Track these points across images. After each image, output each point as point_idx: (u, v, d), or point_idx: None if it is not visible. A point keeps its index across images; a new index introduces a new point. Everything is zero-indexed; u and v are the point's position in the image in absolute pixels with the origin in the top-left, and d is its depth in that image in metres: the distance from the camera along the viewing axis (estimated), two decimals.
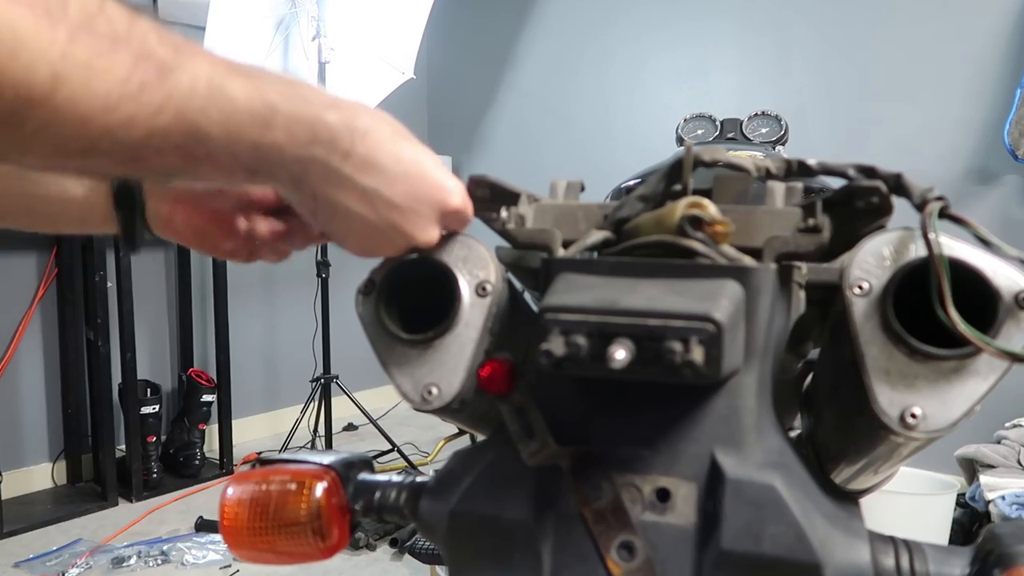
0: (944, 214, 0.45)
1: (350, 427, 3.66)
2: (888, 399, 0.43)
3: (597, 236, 0.51)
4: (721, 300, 0.42)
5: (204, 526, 2.51)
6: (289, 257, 0.63)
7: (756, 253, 0.48)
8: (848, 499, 0.47)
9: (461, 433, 3.21)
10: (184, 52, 0.39)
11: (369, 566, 2.33)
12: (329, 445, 3.11)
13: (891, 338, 0.44)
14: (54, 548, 2.40)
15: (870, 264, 0.46)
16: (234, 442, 3.15)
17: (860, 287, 0.45)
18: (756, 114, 1.50)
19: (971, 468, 2.26)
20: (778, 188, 0.51)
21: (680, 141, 1.53)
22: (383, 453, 3.08)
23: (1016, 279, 0.43)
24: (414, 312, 0.52)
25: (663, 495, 0.46)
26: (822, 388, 0.55)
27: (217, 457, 3.14)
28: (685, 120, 1.54)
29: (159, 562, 2.32)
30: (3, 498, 2.50)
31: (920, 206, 0.45)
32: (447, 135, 4.14)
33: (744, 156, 0.52)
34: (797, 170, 0.51)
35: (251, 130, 0.42)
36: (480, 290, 0.51)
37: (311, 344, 3.42)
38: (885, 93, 2.94)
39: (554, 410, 0.48)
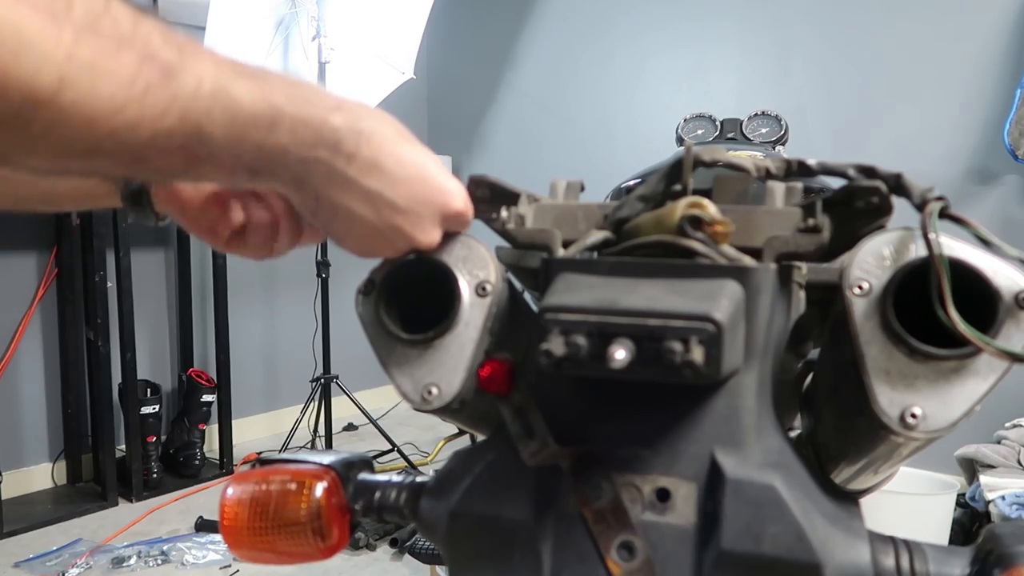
0: (944, 214, 0.45)
1: (350, 427, 3.66)
2: (888, 399, 0.43)
3: (597, 236, 0.51)
4: (721, 300, 0.42)
5: (204, 526, 2.52)
6: (285, 254, 0.63)
7: (756, 253, 0.48)
8: (848, 499, 0.47)
9: (461, 433, 3.21)
10: (189, 53, 0.39)
11: (369, 566, 2.33)
12: (329, 445, 3.11)
13: (891, 338, 0.44)
14: (54, 548, 2.40)
15: (870, 264, 0.46)
16: (234, 442, 3.15)
17: (860, 287, 0.45)
18: (756, 114, 1.51)
19: (971, 468, 2.26)
20: (778, 188, 0.50)
21: (680, 141, 1.53)
22: (383, 453, 3.08)
23: (1016, 279, 0.43)
24: (414, 312, 0.52)
25: (663, 495, 0.46)
26: (822, 388, 0.55)
27: (217, 457, 3.15)
28: (685, 120, 1.54)
29: (159, 562, 2.33)
30: (3, 498, 2.50)
31: (920, 206, 0.45)
32: (447, 135, 4.14)
33: (744, 156, 0.52)
34: (797, 170, 0.51)
35: (255, 132, 0.42)
36: (480, 290, 0.51)
37: (311, 344, 3.42)
38: (885, 93, 2.94)
39: (554, 410, 0.48)
